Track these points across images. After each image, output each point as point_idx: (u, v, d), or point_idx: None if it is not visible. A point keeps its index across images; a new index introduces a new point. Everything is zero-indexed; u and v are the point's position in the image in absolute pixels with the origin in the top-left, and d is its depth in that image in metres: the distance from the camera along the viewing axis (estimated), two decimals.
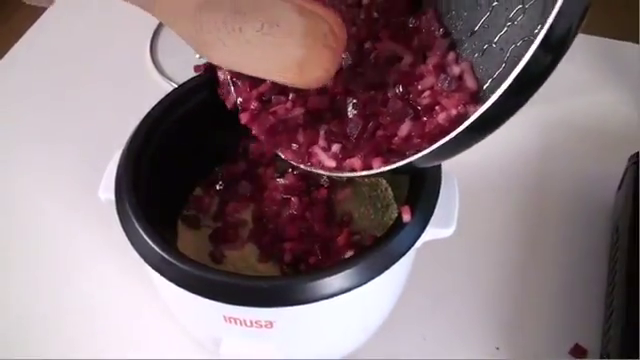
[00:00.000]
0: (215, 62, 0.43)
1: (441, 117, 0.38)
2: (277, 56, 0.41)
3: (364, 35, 0.44)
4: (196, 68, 0.51)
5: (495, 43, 0.38)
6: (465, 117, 0.37)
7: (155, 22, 0.79)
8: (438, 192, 0.43)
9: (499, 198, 0.62)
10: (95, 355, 0.52)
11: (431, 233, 0.42)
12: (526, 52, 0.30)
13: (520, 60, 0.30)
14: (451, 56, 0.41)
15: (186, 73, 0.51)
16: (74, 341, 0.53)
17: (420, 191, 0.42)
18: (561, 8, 0.29)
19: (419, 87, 0.41)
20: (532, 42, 0.30)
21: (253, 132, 0.44)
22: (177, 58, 0.74)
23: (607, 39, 0.73)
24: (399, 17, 0.44)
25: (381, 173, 0.40)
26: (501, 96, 0.32)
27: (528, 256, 0.58)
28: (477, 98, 0.39)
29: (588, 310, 0.53)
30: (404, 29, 0.43)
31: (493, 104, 0.32)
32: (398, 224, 0.41)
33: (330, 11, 0.41)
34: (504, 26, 0.38)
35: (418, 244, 0.41)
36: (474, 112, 0.36)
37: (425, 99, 0.40)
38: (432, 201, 0.42)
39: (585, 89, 0.68)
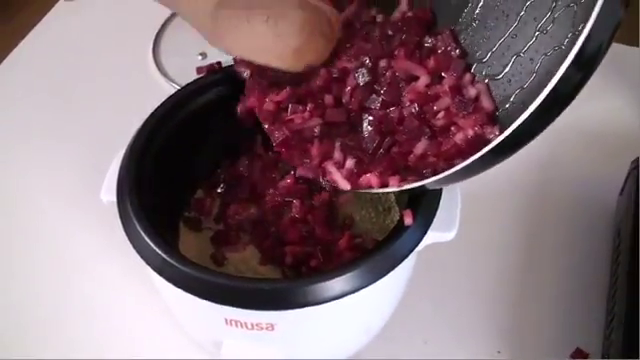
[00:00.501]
0: (223, 50, 0.47)
1: (458, 137, 0.39)
2: (277, 45, 0.46)
3: (379, 53, 0.44)
4: (199, 70, 0.51)
5: (524, 53, 0.38)
6: (482, 138, 0.37)
7: (158, 24, 0.79)
8: (440, 195, 0.43)
9: (501, 202, 0.62)
10: (95, 356, 0.52)
11: (432, 237, 0.42)
12: (557, 62, 0.30)
13: (552, 74, 0.31)
14: (467, 77, 0.41)
15: (189, 75, 0.51)
16: (74, 342, 0.53)
17: (422, 194, 0.42)
18: (593, 26, 0.29)
19: (435, 108, 0.41)
20: (563, 51, 0.30)
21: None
22: (180, 60, 0.75)
23: None
24: (415, 36, 0.44)
25: (399, 191, 0.40)
26: (534, 110, 0.32)
27: (529, 260, 0.58)
28: (494, 119, 0.39)
29: (589, 314, 0.53)
30: (420, 48, 0.43)
31: (527, 118, 0.32)
32: (400, 227, 0.41)
33: (327, 3, 0.47)
34: (533, 36, 0.37)
35: (419, 247, 0.41)
36: (491, 133, 0.37)
37: (440, 120, 0.40)
38: (434, 204, 0.42)
39: (586, 93, 0.68)
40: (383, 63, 0.44)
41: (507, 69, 0.39)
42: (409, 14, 0.45)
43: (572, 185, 0.63)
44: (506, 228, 0.60)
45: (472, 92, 0.40)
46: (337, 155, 0.43)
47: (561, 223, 0.60)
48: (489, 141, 0.35)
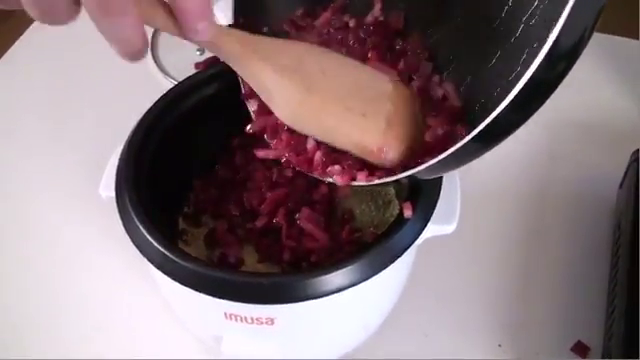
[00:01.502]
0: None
1: (427, 135, 0.40)
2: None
3: (353, 56, 0.45)
4: (197, 65, 0.51)
5: (509, 45, 0.38)
6: (453, 135, 0.38)
7: None
8: (440, 188, 0.43)
9: (501, 195, 0.62)
10: (95, 354, 0.52)
11: (432, 230, 0.42)
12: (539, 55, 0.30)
13: (530, 65, 0.30)
14: (435, 78, 0.43)
15: (187, 71, 0.51)
16: (74, 340, 0.53)
17: (422, 187, 0.42)
18: (571, 11, 0.28)
19: None
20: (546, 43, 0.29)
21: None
22: (178, 55, 0.74)
23: (606, 35, 0.73)
24: (386, 40, 0.45)
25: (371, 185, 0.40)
26: (511, 102, 0.31)
27: (530, 253, 0.58)
28: (463, 117, 0.39)
29: (590, 307, 0.53)
30: (391, 51, 0.45)
31: (503, 110, 0.31)
32: (399, 220, 0.41)
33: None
34: (519, 29, 0.37)
35: (419, 241, 0.41)
36: (459, 131, 0.37)
37: None
38: (434, 197, 0.42)
39: (586, 86, 0.68)
40: None
41: (493, 62, 0.39)
42: (381, 19, 0.46)
43: (572, 178, 0.63)
44: (506, 221, 0.60)
45: (439, 92, 0.42)
46: (310, 143, 0.43)
47: (561, 216, 0.60)
48: (458, 138, 0.35)
